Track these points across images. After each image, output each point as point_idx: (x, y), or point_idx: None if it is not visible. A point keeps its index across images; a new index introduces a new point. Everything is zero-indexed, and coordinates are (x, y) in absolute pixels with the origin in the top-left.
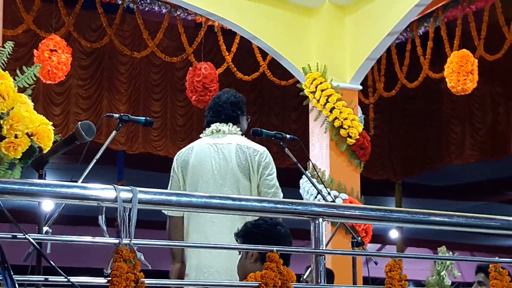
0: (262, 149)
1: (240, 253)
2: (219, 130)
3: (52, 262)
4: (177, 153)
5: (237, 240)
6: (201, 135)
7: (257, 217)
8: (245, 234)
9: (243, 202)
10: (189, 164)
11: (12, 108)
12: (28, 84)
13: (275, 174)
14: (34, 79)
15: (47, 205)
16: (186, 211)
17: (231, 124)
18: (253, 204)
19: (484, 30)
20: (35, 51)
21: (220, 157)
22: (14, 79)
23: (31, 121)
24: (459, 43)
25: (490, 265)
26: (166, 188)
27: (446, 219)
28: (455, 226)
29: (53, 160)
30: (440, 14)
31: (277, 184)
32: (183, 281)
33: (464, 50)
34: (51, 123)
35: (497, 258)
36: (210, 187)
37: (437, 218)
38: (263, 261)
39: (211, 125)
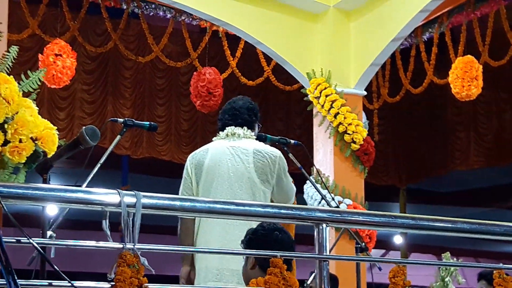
0: (278, 153)
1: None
2: (235, 134)
3: (55, 267)
4: (191, 154)
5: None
6: (214, 138)
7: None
8: (246, 241)
9: (246, 208)
10: (204, 166)
11: (17, 113)
12: (32, 88)
13: (290, 178)
14: (39, 83)
15: (51, 210)
16: (190, 216)
17: (245, 128)
18: (257, 210)
19: (489, 36)
20: (40, 55)
21: (237, 160)
22: (19, 83)
23: (36, 125)
24: (463, 49)
25: (494, 272)
26: (170, 192)
27: (449, 225)
28: (459, 232)
29: (57, 164)
30: (444, 20)
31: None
32: (186, 286)
33: (468, 56)
34: (56, 127)
35: (501, 265)
36: (224, 189)
37: (441, 224)
38: (262, 267)
39: (226, 128)
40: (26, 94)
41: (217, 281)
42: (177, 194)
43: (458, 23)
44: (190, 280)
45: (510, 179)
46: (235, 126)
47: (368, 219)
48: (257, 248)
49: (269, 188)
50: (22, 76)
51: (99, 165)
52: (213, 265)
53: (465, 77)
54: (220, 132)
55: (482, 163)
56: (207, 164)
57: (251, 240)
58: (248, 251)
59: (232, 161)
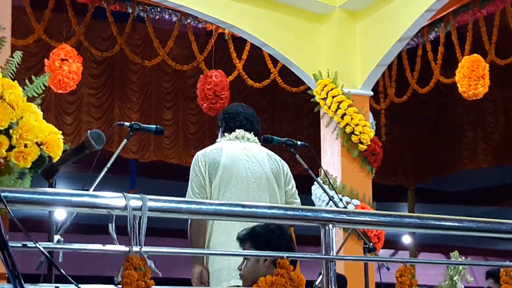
0: (283, 161)
1: (245, 259)
2: (244, 136)
3: (62, 270)
4: (201, 153)
5: (241, 244)
6: (222, 139)
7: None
8: (253, 238)
9: (253, 209)
10: (220, 164)
11: (22, 118)
12: (37, 93)
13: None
14: (43, 88)
15: (60, 214)
16: (197, 218)
17: (253, 134)
18: (263, 211)
19: (495, 34)
20: (46, 60)
21: (253, 161)
22: (24, 88)
23: (41, 130)
24: (470, 47)
25: (501, 270)
26: (178, 196)
27: (456, 224)
28: (465, 230)
29: (64, 169)
30: (451, 19)
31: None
32: None
33: (475, 54)
34: (61, 132)
35: (508, 263)
36: (243, 188)
37: (448, 223)
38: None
39: (236, 130)
40: (31, 99)
41: (238, 279)
42: (185, 197)
43: (464, 22)
44: (203, 280)
45: None
46: (249, 132)
47: (374, 219)
48: (265, 245)
49: (281, 191)
50: (27, 81)
51: (106, 169)
52: (236, 264)
53: (472, 76)
54: (229, 133)
55: (490, 162)
56: (224, 162)
57: (259, 236)
58: (254, 253)
59: (248, 162)
